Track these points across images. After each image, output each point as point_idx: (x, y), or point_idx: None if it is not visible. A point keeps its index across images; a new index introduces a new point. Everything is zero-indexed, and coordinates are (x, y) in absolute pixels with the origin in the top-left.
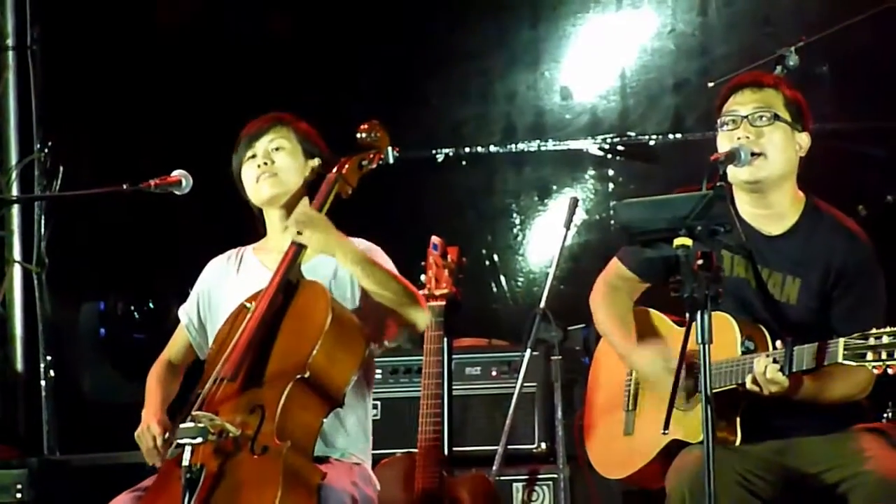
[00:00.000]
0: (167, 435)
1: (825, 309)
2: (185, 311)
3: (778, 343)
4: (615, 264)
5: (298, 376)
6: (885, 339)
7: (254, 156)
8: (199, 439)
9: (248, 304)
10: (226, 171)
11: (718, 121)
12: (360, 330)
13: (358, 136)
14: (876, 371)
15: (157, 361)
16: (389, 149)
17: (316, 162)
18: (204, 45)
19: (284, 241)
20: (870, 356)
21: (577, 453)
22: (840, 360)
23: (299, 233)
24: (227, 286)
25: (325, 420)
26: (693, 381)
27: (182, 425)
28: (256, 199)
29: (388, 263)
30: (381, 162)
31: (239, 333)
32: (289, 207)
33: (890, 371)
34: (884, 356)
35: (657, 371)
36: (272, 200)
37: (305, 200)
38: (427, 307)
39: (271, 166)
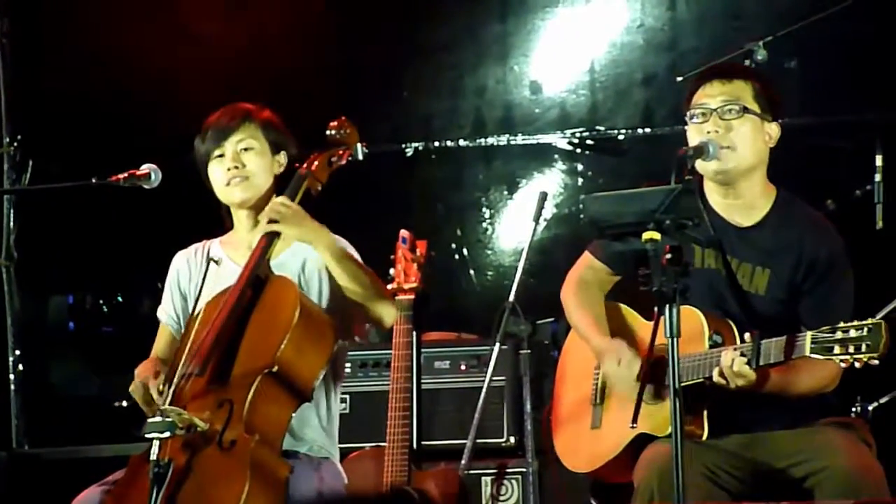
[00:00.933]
0: (161, 384)
1: (793, 301)
2: (164, 311)
3: (746, 336)
4: (586, 256)
5: (266, 370)
6: (853, 333)
7: (221, 155)
8: (167, 433)
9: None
10: (195, 165)
11: (688, 112)
12: (328, 324)
13: (327, 132)
14: (843, 364)
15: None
16: (359, 145)
17: (283, 156)
18: (173, 36)
19: (253, 237)
20: (837, 349)
21: (545, 447)
22: (807, 353)
23: (274, 221)
24: (195, 280)
25: (293, 414)
26: (661, 375)
27: (150, 419)
28: (226, 201)
29: (356, 257)
30: (350, 158)
31: (207, 328)
32: (258, 207)
33: (857, 365)
34: (851, 350)
35: (617, 373)
36: (243, 203)
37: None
38: (394, 303)
39: (242, 170)
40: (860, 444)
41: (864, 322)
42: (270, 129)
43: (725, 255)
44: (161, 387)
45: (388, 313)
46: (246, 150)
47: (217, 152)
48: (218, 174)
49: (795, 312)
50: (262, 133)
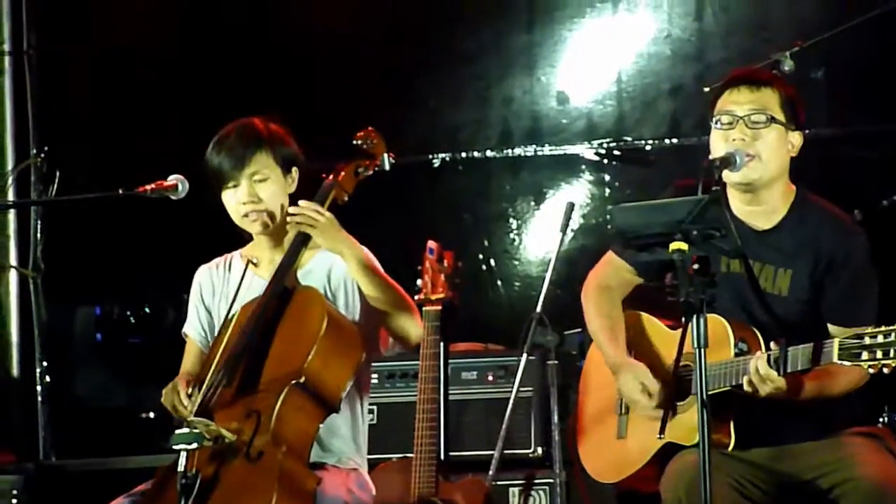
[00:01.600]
0: (191, 389)
1: (817, 300)
2: (191, 326)
3: (772, 344)
4: (610, 256)
5: (294, 381)
6: (880, 339)
7: (236, 185)
8: (195, 445)
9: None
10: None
11: (713, 117)
12: (355, 335)
13: (354, 143)
14: (871, 370)
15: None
16: (385, 156)
17: (295, 172)
18: (200, 49)
19: (275, 254)
20: (865, 356)
21: (571, 457)
22: (835, 359)
23: (308, 227)
24: (219, 293)
25: (321, 425)
26: (687, 385)
27: (177, 431)
28: (245, 229)
29: (381, 270)
30: (377, 169)
31: (236, 339)
32: (280, 231)
33: (885, 370)
34: (879, 355)
35: (633, 396)
36: (262, 232)
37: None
38: (419, 317)
39: (259, 204)
40: (886, 454)
41: (892, 327)
42: (281, 148)
43: (748, 259)
44: (190, 392)
45: (414, 330)
46: (261, 181)
47: (230, 183)
48: (233, 204)
49: (819, 313)
50: (273, 158)
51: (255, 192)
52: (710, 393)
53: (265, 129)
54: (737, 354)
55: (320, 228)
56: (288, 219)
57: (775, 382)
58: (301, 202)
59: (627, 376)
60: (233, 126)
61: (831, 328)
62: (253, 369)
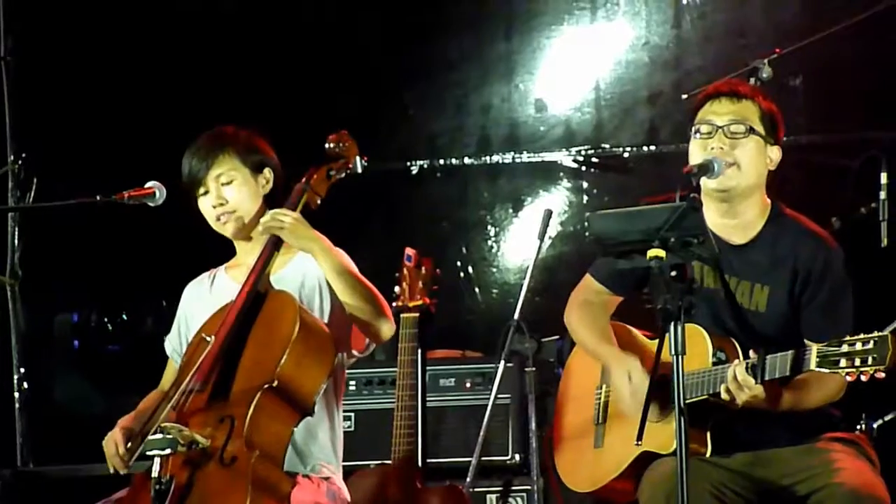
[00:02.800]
0: (129, 444)
1: (796, 315)
2: (170, 342)
3: (751, 352)
4: (587, 279)
5: (266, 385)
6: (858, 346)
7: (206, 192)
8: (168, 450)
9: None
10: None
11: (692, 127)
12: (328, 338)
13: (326, 146)
14: (849, 378)
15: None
16: (358, 158)
17: (268, 172)
18: (177, 54)
19: (251, 259)
20: (843, 363)
21: (546, 466)
22: (814, 367)
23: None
24: (201, 306)
25: (295, 429)
26: (664, 393)
27: (151, 436)
28: (221, 232)
29: (355, 270)
30: (349, 171)
31: (208, 345)
32: (256, 234)
33: (863, 378)
34: (857, 363)
35: (626, 386)
36: (236, 235)
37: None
38: (391, 318)
39: (227, 205)
40: (864, 460)
41: (870, 335)
42: (249, 152)
43: (723, 274)
44: (129, 443)
45: (386, 326)
46: (226, 183)
47: (201, 189)
48: (207, 209)
49: (796, 328)
50: (239, 160)
51: (222, 195)
52: (687, 401)
53: (232, 134)
54: (714, 364)
55: (289, 229)
56: (259, 227)
57: (753, 390)
58: (270, 210)
59: (620, 369)
60: (204, 134)
61: (808, 344)
62: (226, 374)
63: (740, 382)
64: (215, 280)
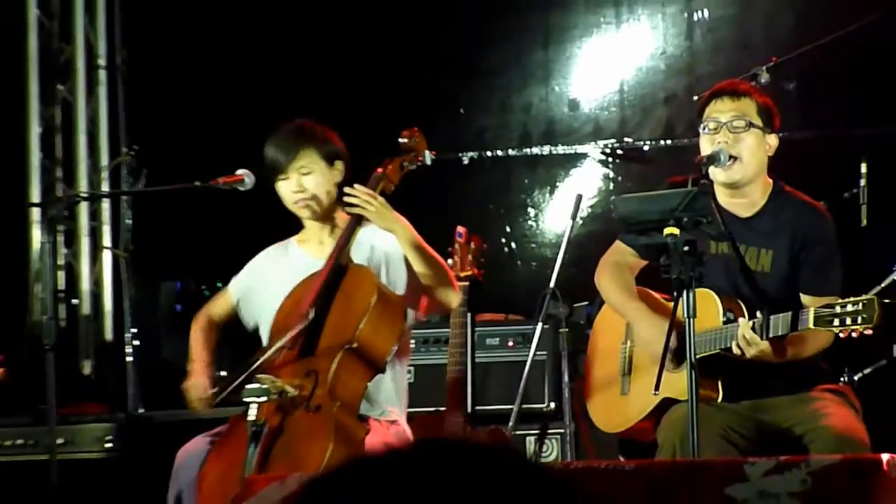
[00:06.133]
0: (216, 388)
1: (795, 273)
2: (236, 283)
3: (758, 313)
4: (617, 244)
5: (347, 346)
6: (849, 308)
7: (286, 178)
8: (263, 398)
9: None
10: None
11: (701, 124)
12: (400, 307)
13: (400, 140)
14: (842, 335)
15: (200, 314)
16: (427, 152)
17: (340, 164)
18: (255, 57)
19: (324, 234)
20: (836, 323)
21: (577, 412)
22: (811, 325)
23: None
24: (277, 269)
25: (369, 384)
26: (682, 347)
27: (248, 386)
28: (297, 214)
29: (427, 246)
30: (419, 163)
31: (297, 309)
32: (326, 215)
33: (854, 335)
34: (848, 322)
35: (655, 337)
36: (311, 218)
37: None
38: (459, 288)
39: (305, 192)
40: (848, 407)
41: (859, 298)
42: (325, 146)
43: (735, 243)
44: (215, 389)
45: (455, 297)
46: (306, 174)
47: (282, 176)
48: (285, 193)
49: (795, 286)
50: (318, 154)
51: (302, 184)
52: (701, 355)
53: (311, 129)
54: (725, 323)
55: (375, 210)
56: (345, 199)
57: (759, 346)
58: (357, 185)
59: (646, 323)
60: (285, 126)
61: (803, 297)
62: (312, 335)
63: (748, 340)
64: (289, 249)
